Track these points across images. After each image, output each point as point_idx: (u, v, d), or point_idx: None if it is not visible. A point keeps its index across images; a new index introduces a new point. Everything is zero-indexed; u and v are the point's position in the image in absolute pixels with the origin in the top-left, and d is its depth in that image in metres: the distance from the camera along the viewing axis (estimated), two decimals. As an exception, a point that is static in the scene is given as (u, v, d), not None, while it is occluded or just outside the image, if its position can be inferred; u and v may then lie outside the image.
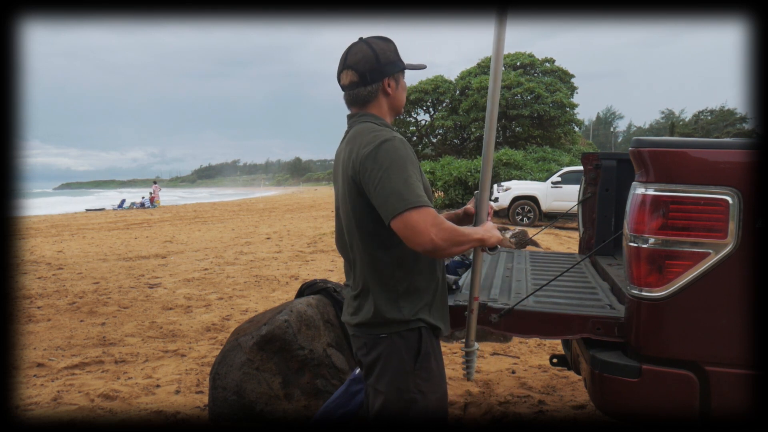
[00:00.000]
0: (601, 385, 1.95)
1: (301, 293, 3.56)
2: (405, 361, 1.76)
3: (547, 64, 29.94)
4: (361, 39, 1.89)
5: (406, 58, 1.96)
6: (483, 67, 29.99)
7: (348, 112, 1.93)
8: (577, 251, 3.74)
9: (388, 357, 1.77)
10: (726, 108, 55.82)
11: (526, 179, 18.40)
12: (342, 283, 3.70)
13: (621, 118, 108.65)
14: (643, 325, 1.88)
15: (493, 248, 1.85)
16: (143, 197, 31.71)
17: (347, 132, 1.88)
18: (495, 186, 16.94)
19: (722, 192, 1.76)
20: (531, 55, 29.90)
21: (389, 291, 1.78)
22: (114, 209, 29.06)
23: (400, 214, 1.61)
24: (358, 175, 1.71)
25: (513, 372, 4.01)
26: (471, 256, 2.21)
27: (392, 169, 1.65)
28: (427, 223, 1.61)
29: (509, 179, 18.58)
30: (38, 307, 6.09)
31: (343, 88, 1.89)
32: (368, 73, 1.83)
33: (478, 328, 2.02)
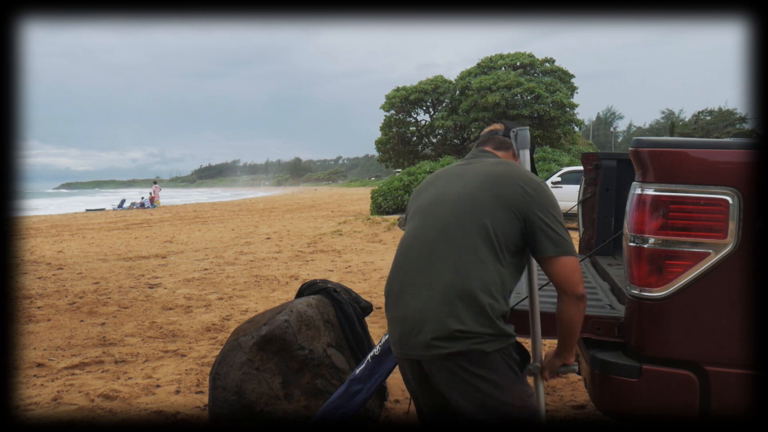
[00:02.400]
0: (601, 385, 1.95)
1: (301, 293, 3.56)
2: None
3: (547, 64, 29.94)
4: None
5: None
6: (483, 67, 29.98)
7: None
8: (577, 251, 3.74)
9: None
10: (726, 108, 55.84)
11: (526, 179, 18.34)
12: (341, 282, 3.70)
13: (621, 118, 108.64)
14: (643, 325, 1.88)
15: (568, 366, 1.94)
16: (143, 197, 31.72)
17: (478, 156, 2.08)
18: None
19: (722, 192, 1.76)
20: (531, 55, 29.88)
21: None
22: (114, 209, 29.06)
23: (570, 254, 1.78)
24: (528, 197, 1.80)
25: (513, 372, 4.00)
26: None
27: (559, 212, 1.84)
28: (581, 276, 1.81)
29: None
30: (38, 307, 6.09)
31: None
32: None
33: None
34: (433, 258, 1.81)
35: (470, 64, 33.37)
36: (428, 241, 1.85)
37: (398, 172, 26.41)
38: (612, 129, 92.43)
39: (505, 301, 1.78)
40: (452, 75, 41.48)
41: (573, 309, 1.80)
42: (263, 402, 3.00)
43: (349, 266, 8.63)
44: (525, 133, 2.10)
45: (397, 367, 2.80)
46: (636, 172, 1.92)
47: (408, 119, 32.01)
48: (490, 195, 1.83)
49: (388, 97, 31.18)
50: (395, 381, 3.55)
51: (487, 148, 2.12)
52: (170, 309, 6.00)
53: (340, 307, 3.37)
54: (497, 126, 2.19)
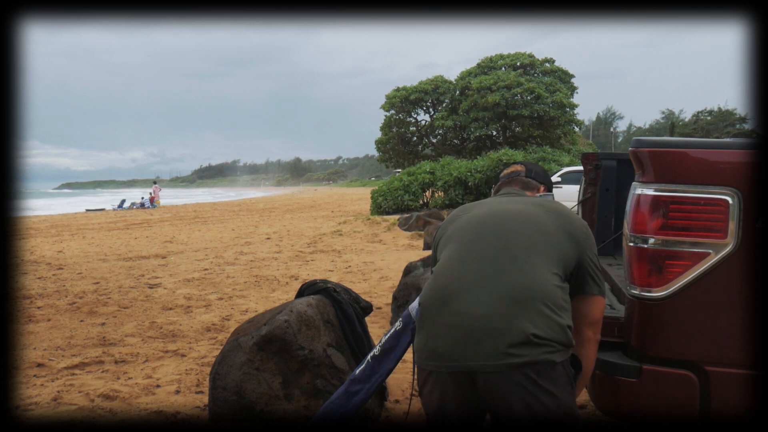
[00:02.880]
0: (601, 385, 1.96)
1: (301, 293, 3.56)
2: None
3: (547, 65, 29.93)
4: None
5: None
6: (483, 68, 29.98)
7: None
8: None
9: None
10: (725, 108, 55.85)
11: (526, 179, 18.31)
12: (341, 282, 3.70)
13: (621, 118, 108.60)
14: (643, 325, 1.88)
15: None
16: (143, 197, 31.72)
17: (513, 194, 2.11)
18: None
19: (722, 192, 1.76)
20: (531, 55, 29.88)
21: None
22: (114, 209, 29.06)
23: (605, 295, 1.87)
24: (585, 235, 1.86)
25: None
26: None
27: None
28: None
29: (509, 179, 18.53)
30: (38, 307, 6.09)
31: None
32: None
33: None
34: (497, 261, 1.73)
35: (470, 64, 33.37)
36: (488, 246, 1.78)
37: (398, 172, 26.42)
38: (612, 129, 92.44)
39: (569, 321, 1.70)
40: (452, 75, 41.47)
41: (595, 352, 1.89)
42: (263, 402, 3.00)
43: (349, 266, 8.63)
44: (548, 198, 2.18)
45: (397, 367, 2.80)
46: (636, 172, 1.92)
47: (408, 119, 31.99)
48: (553, 222, 1.82)
49: (388, 97, 31.18)
50: (395, 381, 3.55)
51: (516, 187, 2.16)
52: (170, 309, 6.00)
53: (340, 307, 3.37)
54: (517, 167, 2.25)
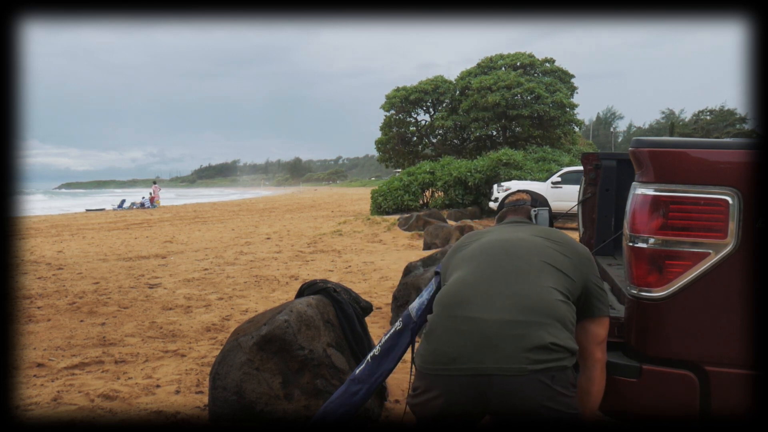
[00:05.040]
0: (601, 385, 1.95)
1: (301, 293, 3.56)
2: None
3: (547, 65, 29.91)
4: None
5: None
6: (483, 68, 29.97)
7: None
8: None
9: None
10: (726, 108, 55.81)
11: (526, 179, 18.36)
12: (341, 282, 3.70)
13: (621, 118, 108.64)
14: (643, 325, 1.88)
15: None
16: (143, 197, 31.72)
17: (519, 223, 2.22)
18: (495, 186, 16.93)
19: (722, 192, 1.76)
20: (531, 55, 29.86)
21: None
22: (114, 209, 29.06)
23: (609, 317, 1.95)
24: (587, 261, 1.98)
25: (513, 372, 3.99)
26: None
27: None
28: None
29: (509, 179, 18.54)
30: (38, 307, 6.08)
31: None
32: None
33: None
34: (510, 276, 1.84)
35: (470, 64, 33.33)
36: (500, 264, 1.89)
37: (398, 172, 26.41)
38: (612, 129, 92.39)
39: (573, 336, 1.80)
40: (452, 75, 41.33)
41: (604, 374, 1.93)
42: (263, 402, 3.00)
43: (349, 266, 8.63)
44: (544, 213, 2.23)
45: (397, 367, 2.80)
46: (636, 172, 1.92)
47: (408, 119, 31.98)
48: (558, 251, 1.94)
49: (388, 97, 31.17)
50: (395, 381, 3.55)
51: (522, 216, 2.27)
52: (170, 309, 6.00)
53: (340, 307, 3.37)
54: (523, 196, 2.37)
